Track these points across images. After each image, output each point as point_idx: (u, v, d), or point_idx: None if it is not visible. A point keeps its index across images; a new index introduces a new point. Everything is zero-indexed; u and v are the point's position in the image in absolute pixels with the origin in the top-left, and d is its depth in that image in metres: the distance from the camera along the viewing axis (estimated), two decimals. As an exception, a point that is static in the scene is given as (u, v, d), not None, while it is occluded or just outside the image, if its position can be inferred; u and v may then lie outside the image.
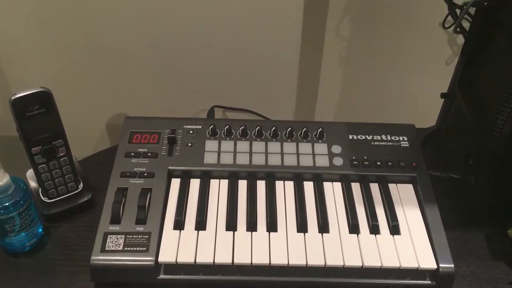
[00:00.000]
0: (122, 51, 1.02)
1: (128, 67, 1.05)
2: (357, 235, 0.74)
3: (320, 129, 0.85)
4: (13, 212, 0.71)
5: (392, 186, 0.81)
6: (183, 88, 1.10)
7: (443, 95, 0.93)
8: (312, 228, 0.74)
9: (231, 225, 0.74)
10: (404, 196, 0.79)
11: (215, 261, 0.69)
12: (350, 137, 0.85)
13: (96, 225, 0.73)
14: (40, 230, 0.78)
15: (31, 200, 0.74)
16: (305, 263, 0.70)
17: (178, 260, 0.69)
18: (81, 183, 0.82)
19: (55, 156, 0.76)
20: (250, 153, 0.82)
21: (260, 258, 0.70)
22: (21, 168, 0.82)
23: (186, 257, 0.70)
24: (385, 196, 0.79)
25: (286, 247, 0.71)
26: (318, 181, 0.80)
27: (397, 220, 0.75)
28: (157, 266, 0.70)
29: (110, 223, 0.73)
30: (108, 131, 1.14)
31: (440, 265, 0.70)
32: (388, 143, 0.85)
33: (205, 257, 0.70)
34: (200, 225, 0.73)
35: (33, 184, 0.81)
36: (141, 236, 0.71)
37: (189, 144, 0.83)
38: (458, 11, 0.84)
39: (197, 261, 0.69)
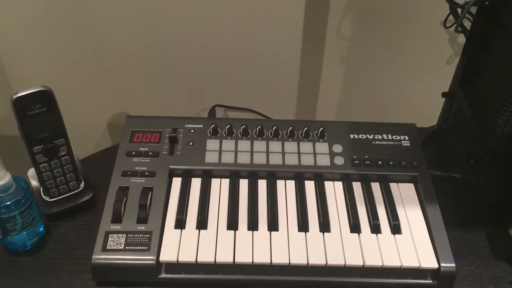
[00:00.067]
0: (123, 51, 1.02)
1: (129, 67, 1.05)
2: (358, 234, 0.74)
3: (321, 128, 0.85)
4: (15, 211, 0.72)
5: (393, 185, 0.81)
6: (184, 87, 1.10)
7: (444, 95, 0.93)
8: (313, 227, 0.74)
9: (232, 224, 0.74)
10: (405, 195, 0.79)
11: (216, 260, 0.69)
12: (351, 136, 0.85)
13: (97, 224, 0.73)
14: (41, 229, 0.78)
15: (32, 199, 0.74)
16: (306, 262, 0.70)
17: (179, 259, 0.69)
18: (82, 182, 0.82)
19: (56, 155, 0.76)
20: (251, 152, 0.82)
21: (261, 257, 0.70)
22: (22, 167, 0.82)
23: (187, 256, 0.70)
24: (386, 196, 0.79)
25: (287, 246, 0.71)
26: (319, 180, 0.80)
27: (398, 220, 0.75)
28: (158, 265, 0.70)
29: (111, 222, 0.73)
30: (110, 130, 1.14)
31: (441, 264, 0.70)
32: (389, 143, 0.85)
33: (206, 256, 0.70)
34: (201, 224, 0.74)
35: (34, 183, 0.81)
36: (142, 235, 0.71)
37: (190, 143, 0.83)
38: (459, 10, 0.84)
39: (198, 260, 0.69)
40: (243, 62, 1.06)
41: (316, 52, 1.06)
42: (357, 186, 0.80)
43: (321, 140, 0.84)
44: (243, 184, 0.80)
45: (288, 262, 0.70)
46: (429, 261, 0.70)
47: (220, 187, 0.79)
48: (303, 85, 1.11)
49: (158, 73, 1.06)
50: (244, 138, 0.84)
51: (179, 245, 0.71)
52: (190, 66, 1.06)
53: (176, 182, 0.79)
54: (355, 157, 0.82)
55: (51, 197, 0.80)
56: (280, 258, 0.70)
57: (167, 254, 0.70)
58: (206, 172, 0.81)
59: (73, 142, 0.77)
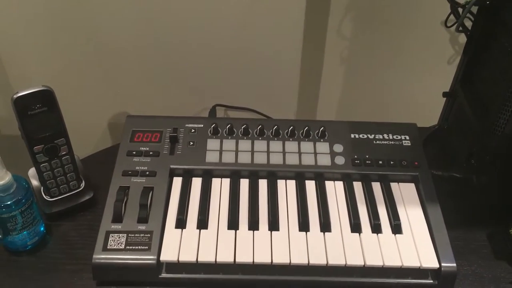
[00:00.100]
0: (123, 50, 1.02)
1: (130, 66, 1.05)
2: (359, 234, 0.74)
3: (322, 128, 0.85)
4: (15, 210, 0.72)
5: (394, 185, 0.80)
6: (185, 87, 1.10)
7: (445, 94, 0.93)
8: (314, 227, 0.74)
9: (233, 224, 0.74)
10: (406, 195, 0.79)
11: (217, 260, 0.69)
12: (352, 136, 0.85)
13: (98, 223, 0.73)
14: (42, 228, 0.78)
15: (33, 199, 0.74)
16: (307, 262, 0.70)
17: (180, 259, 0.69)
18: (83, 181, 0.82)
19: (57, 154, 0.76)
20: (252, 152, 0.82)
21: (262, 257, 0.70)
22: (23, 167, 0.82)
23: (188, 256, 0.70)
24: (387, 195, 0.78)
25: (288, 246, 0.71)
26: (320, 180, 0.80)
27: (399, 219, 0.75)
28: (159, 264, 0.70)
29: (112, 222, 0.73)
30: (110, 130, 1.14)
31: (442, 264, 0.70)
32: (390, 142, 0.84)
33: (207, 256, 0.70)
34: (202, 224, 0.73)
35: (35, 182, 0.81)
36: (143, 234, 0.71)
37: (191, 143, 0.83)
38: (460, 10, 0.84)
39: (199, 260, 0.69)
40: (243, 62, 1.06)
41: (316, 52, 1.06)
42: (357, 186, 0.80)
43: (321, 140, 0.84)
44: (244, 183, 0.80)
45: (288, 262, 0.69)
46: (430, 261, 0.70)
47: (220, 187, 0.79)
48: (304, 84, 1.11)
49: (159, 72, 1.06)
50: (245, 138, 0.84)
51: (179, 245, 0.71)
52: (191, 65, 1.06)
53: (177, 181, 0.79)
54: (356, 156, 0.82)
55: (51, 197, 0.80)
56: (280, 258, 0.70)
57: (168, 254, 0.70)
58: (206, 172, 0.81)
59: (73, 141, 0.77)
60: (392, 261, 0.70)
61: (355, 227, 0.74)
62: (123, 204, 0.74)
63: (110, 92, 1.08)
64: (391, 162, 0.81)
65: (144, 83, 1.08)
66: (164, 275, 0.70)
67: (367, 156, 0.82)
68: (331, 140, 0.84)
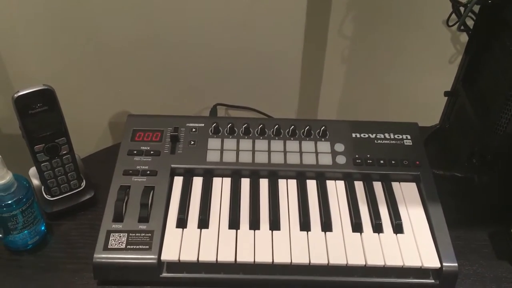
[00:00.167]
0: (124, 49, 1.02)
1: (131, 66, 1.05)
2: (360, 234, 0.73)
3: (323, 127, 0.84)
4: (16, 210, 0.71)
5: (395, 185, 0.80)
6: (186, 86, 1.09)
7: (446, 94, 0.93)
8: (315, 226, 0.74)
9: (233, 224, 0.74)
10: (407, 194, 0.79)
11: (218, 260, 0.69)
12: (353, 135, 0.85)
13: (98, 223, 0.73)
14: (42, 228, 0.78)
15: (33, 198, 0.74)
16: (308, 261, 0.69)
17: (180, 258, 0.69)
18: (84, 181, 0.82)
19: (57, 154, 0.76)
20: (253, 151, 0.82)
21: (263, 257, 0.70)
22: (23, 166, 0.82)
23: (188, 255, 0.69)
24: (388, 195, 0.78)
25: (289, 245, 0.71)
26: (321, 179, 0.80)
27: (400, 219, 0.75)
28: (160, 264, 0.70)
29: (113, 221, 0.73)
30: (111, 129, 1.14)
31: (444, 264, 0.70)
32: (391, 142, 0.84)
33: (207, 256, 0.70)
34: (203, 223, 0.73)
35: (35, 182, 0.81)
36: (143, 234, 0.71)
37: (192, 142, 0.83)
38: (462, 9, 0.84)
39: (199, 259, 0.69)
40: (245, 61, 1.05)
41: (317, 51, 1.06)
42: (359, 185, 0.80)
43: (323, 139, 0.84)
44: (245, 183, 0.80)
45: (290, 261, 0.69)
46: (431, 261, 0.70)
47: (221, 186, 0.79)
48: (305, 84, 1.10)
49: (160, 72, 1.06)
50: (246, 137, 0.84)
51: (180, 244, 0.71)
52: (192, 65, 1.05)
53: (178, 181, 0.79)
54: (357, 156, 0.82)
55: (52, 196, 0.80)
56: (281, 258, 0.70)
57: (169, 253, 0.70)
58: (207, 171, 0.81)
59: (74, 141, 0.77)
60: (394, 261, 0.70)
61: (356, 227, 0.74)
62: (124, 204, 0.74)
63: (111, 92, 1.08)
64: (393, 162, 0.81)
65: (145, 82, 1.08)
66: (165, 274, 0.70)
67: (368, 156, 0.82)
68: (332, 139, 0.84)
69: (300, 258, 0.70)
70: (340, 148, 0.83)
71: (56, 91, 0.72)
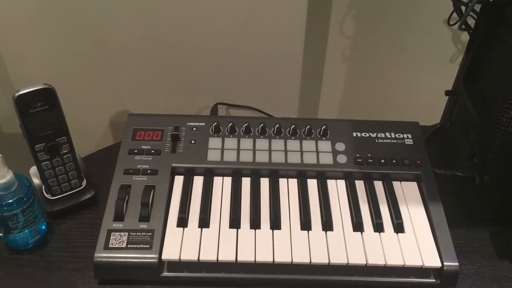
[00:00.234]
0: (125, 49, 1.02)
1: (132, 64, 1.05)
2: (361, 233, 0.73)
3: (324, 126, 0.84)
4: (17, 209, 0.71)
5: (396, 184, 0.80)
6: (186, 85, 1.09)
7: (447, 93, 0.93)
8: (315, 226, 0.74)
9: (234, 223, 0.74)
10: (408, 194, 0.79)
11: (219, 259, 0.69)
12: (354, 134, 0.85)
13: (99, 222, 0.73)
14: (43, 227, 0.77)
15: (34, 197, 0.74)
16: (309, 261, 0.69)
17: (181, 258, 0.69)
18: (84, 180, 0.82)
19: (58, 153, 0.76)
20: (254, 150, 0.82)
21: (264, 256, 0.70)
22: (24, 165, 0.82)
23: (189, 255, 0.69)
24: (389, 194, 0.78)
25: (289, 245, 0.71)
26: (322, 178, 0.80)
27: (401, 218, 0.75)
28: (161, 263, 0.70)
29: (114, 220, 0.73)
30: (112, 128, 1.14)
31: (445, 263, 0.70)
32: (392, 141, 0.84)
33: (208, 255, 0.69)
34: (204, 222, 0.73)
35: (36, 181, 0.81)
36: (144, 233, 0.71)
37: (193, 141, 0.83)
38: (463, 8, 0.84)
39: (200, 258, 0.69)
40: (245, 60, 1.05)
41: (318, 50, 1.06)
42: (360, 185, 0.80)
43: (323, 138, 0.84)
44: (246, 182, 0.80)
45: (290, 260, 0.69)
46: (432, 260, 0.70)
47: (222, 186, 0.79)
48: (306, 83, 1.10)
49: (160, 71, 1.06)
50: (247, 136, 0.84)
51: (181, 244, 0.71)
52: (192, 64, 1.05)
53: (178, 180, 0.79)
54: (358, 155, 0.82)
55: (53, 195, 0.80)
56: (282, 257, 0.70)
57: (169, 253, 0.70)
58: (208, 170, 0.80)
59: (75, 140, 0.77)
60: (394, 260, 0.70)
61: (357, 226, 0.74)
62: (125, 203, 0.74)
63: (111, 91, 1.08)
64: (393, 161, 0.81)
65: (146, 82, 1.08)
66: (165, 273, 0.70)
67: (369, 155, 0.82)
68: (333, 138, 0.84)
69: (301, 257, 0.70)
70: (341, 147, 0.83)
71: (56, 90, 0.71)
